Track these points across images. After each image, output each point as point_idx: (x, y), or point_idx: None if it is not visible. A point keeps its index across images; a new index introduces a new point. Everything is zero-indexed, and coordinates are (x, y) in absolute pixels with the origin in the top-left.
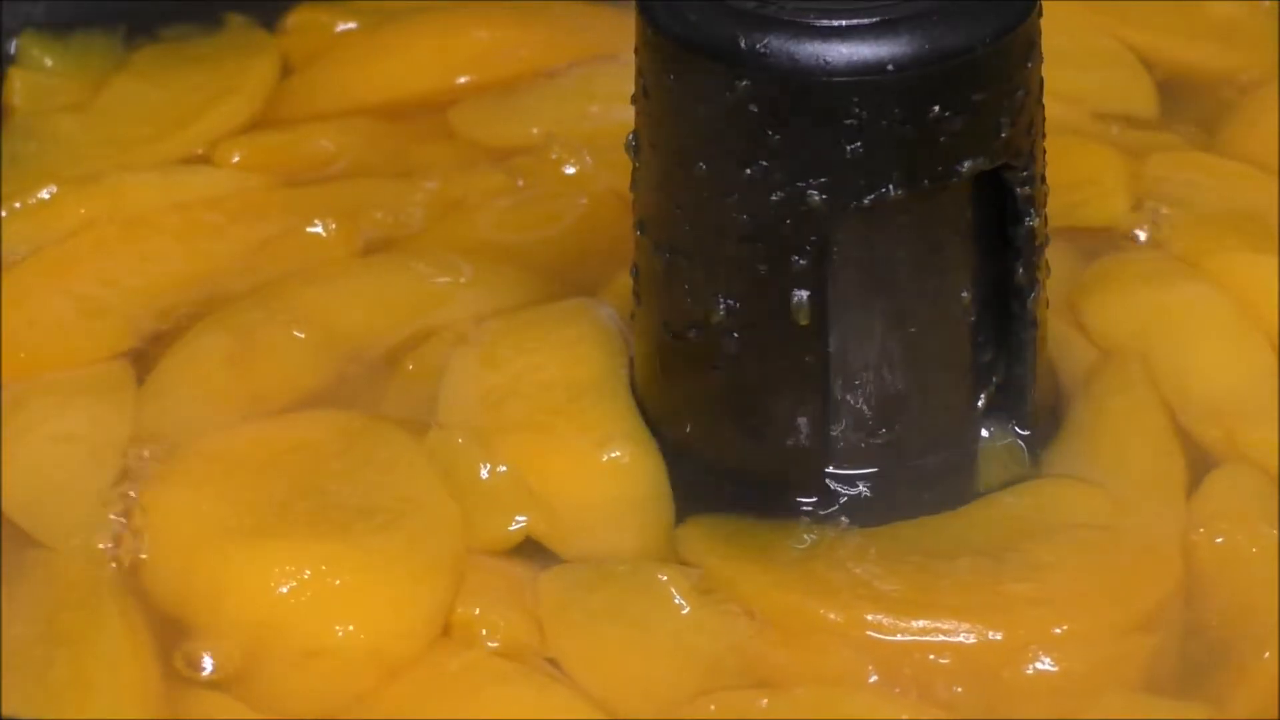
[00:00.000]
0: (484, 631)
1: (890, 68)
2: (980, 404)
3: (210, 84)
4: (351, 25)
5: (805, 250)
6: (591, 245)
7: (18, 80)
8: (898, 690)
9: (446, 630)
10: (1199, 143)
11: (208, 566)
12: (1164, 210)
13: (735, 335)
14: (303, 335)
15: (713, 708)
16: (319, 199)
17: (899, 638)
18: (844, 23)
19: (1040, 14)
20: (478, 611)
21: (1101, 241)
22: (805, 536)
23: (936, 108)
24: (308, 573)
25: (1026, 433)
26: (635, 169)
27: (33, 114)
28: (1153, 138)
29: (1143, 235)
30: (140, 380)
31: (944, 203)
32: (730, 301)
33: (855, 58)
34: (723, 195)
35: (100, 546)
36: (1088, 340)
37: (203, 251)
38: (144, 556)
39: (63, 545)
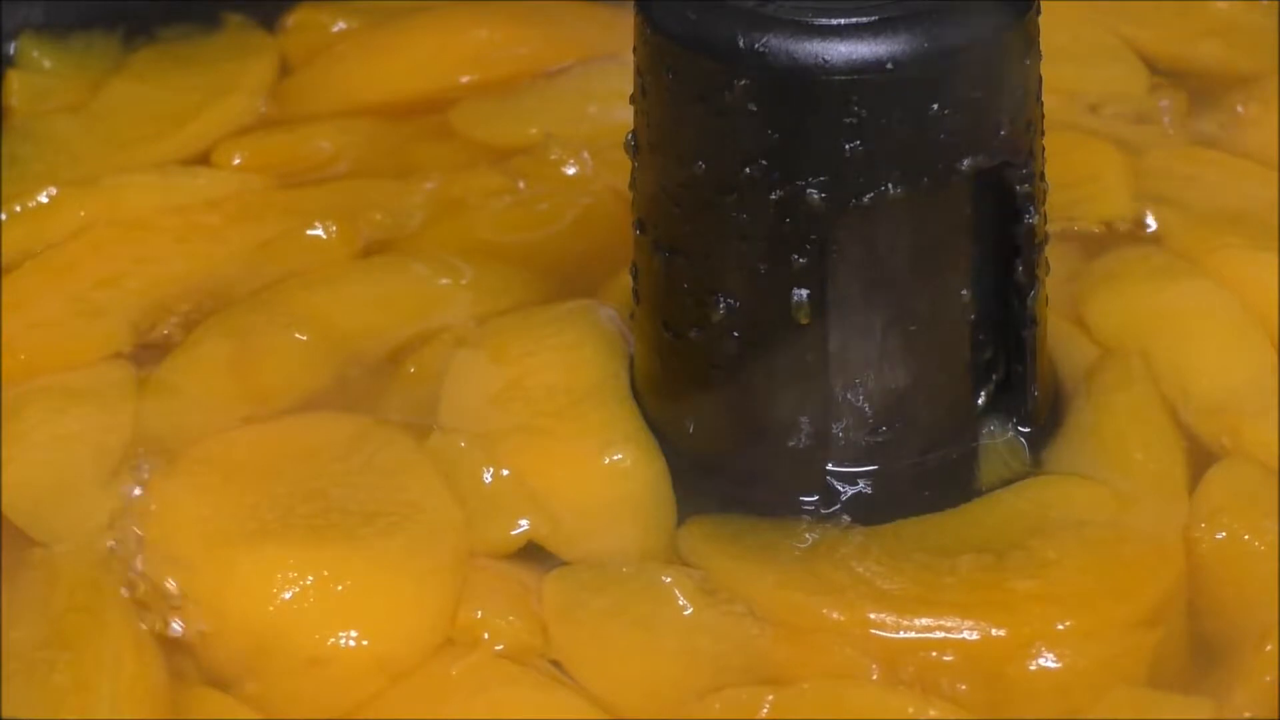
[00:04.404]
0: (487, 635)
1: (889, 66)
2: (981, 401)
3: (209, 84)
4: (351, 25)
5: (805, 249)
6: (591, 245)
7: (16, 82)
8: (902, 686)
9: (450, 634)
10: (1199, 139)
11: (210, 571)
12: (1164, 207)
13: (735, 335)
14: (303, 337)
15: (718, 706)
16: (318, 200)
17: (902, 635)
18: (842, 21)
19: (1039, 11)
20: (481, 615)
21: (1102, 238)
22: (807, 535)
23: (935, 105)
24: (310, 578)
25: (1027, 430)
26: (634, 169)
27: (32, 116)
28: (1153, 134)
29: (1143, 232)
30: (140, 382)
31: (943, 201)
32: (730, 301)
33: (854, 56)
34: (722, 194)
35: (101, 548)
36: (1088, 337)
37: (202, 253)
38: (145, 559)
39: (63, 547)
